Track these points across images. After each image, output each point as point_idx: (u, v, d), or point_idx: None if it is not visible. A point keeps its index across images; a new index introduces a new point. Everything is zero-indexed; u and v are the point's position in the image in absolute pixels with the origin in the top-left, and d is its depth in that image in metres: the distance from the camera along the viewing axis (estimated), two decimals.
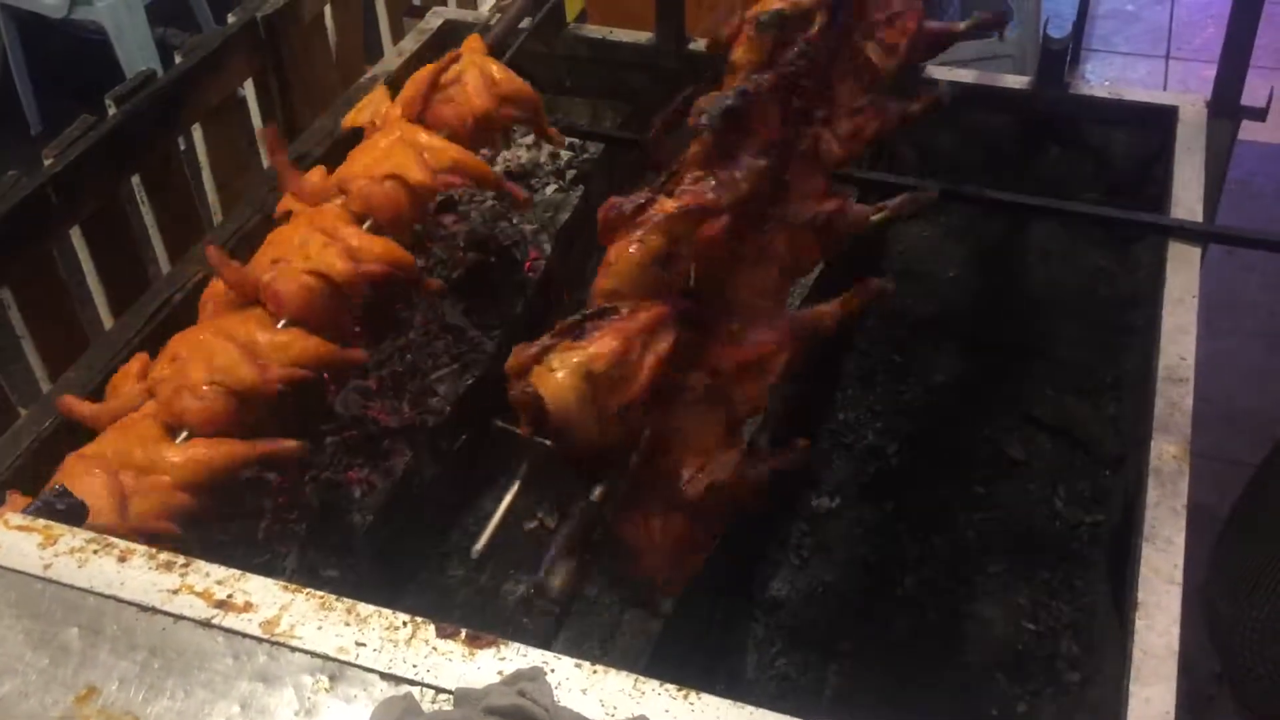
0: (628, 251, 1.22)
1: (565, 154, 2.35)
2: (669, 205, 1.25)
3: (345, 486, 1.76)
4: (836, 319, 1.38)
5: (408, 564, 1.79)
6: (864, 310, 1.41)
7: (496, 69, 1.77)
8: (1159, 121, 2.11)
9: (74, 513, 1.15)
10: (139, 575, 1.00)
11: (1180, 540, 1.43)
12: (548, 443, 1.13)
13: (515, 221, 2.19)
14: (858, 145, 1.52)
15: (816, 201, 1.37)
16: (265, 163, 2.39)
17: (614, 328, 1.17)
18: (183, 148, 2.21)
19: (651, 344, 1.18)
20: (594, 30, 2.45)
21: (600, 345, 1.16)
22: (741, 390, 1.29)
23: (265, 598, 0.98)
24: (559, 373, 1.14)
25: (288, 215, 1.62)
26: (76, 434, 1.44)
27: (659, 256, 1.22)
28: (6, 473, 1.49)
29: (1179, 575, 1.40)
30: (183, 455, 1.28)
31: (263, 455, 1.35)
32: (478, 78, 1.74)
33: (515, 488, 1.16)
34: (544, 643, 1.03)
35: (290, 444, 1.37)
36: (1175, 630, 1.34)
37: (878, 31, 1.61)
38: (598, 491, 1.19)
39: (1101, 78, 4.45)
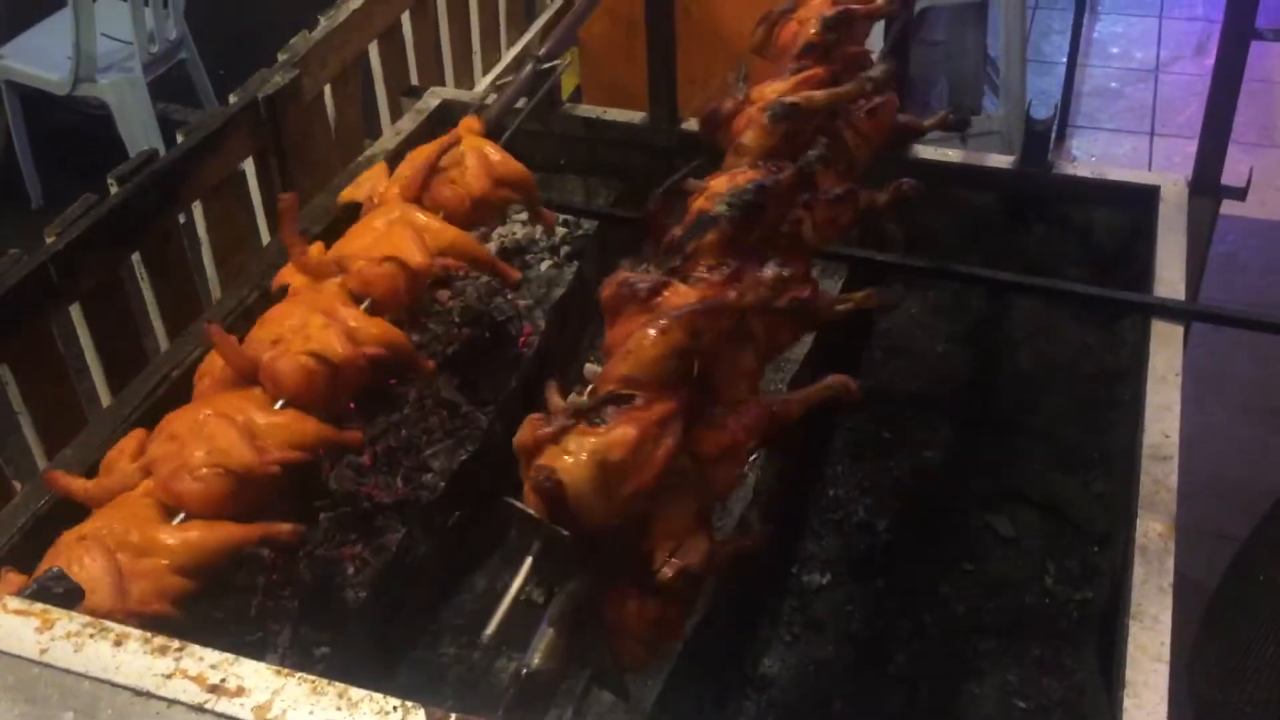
0: (648, 340, 1.22)
1: (560, 230, 2.39)
2: (689, 295, 1.27)
3: (339, 563, 1.76)
4: (801, 410, 1.39)
5: (401, 641, 1.79)
6: (828, 404, 1.42)
7: (494, 151, 1.81)
8: (1141, 200, 2.15)
9: (70, 596, 1.16)
10: (134, 660, 1.00)
11: (1167, 618, 1.44)
12: (561, 530, 1.14)
13: (509, 297, 2.22)
14: (834, 232, 1.56)
15: (796, 285, 1.40)
16: (265, 239, 2.44)
17: (631, 417, 1.18)
18: (183, 222, 2.25)
19: (662, 436, 1.19)
20: (588, 110, 2.50)
21: (618, 434, 1.17)
22: (717, 474, 1.31)
23: (258, 682, 0.99)
24: (579, 457, 1.14)
25: (284, 289, 1.65)
26: (73, 512, 1.45)
27: (680, 351, 1.23)
28: (2, 550, 1.50)
29: (1166, 653, 1.41)
30: (180, 538, 1.29)
31: (260, 538, 1.36)
32: (477, 161, 1.77)
33: (527, 566, 1.16)
34: None
35: (285, 527, 1.38)
36: (1163, 709, 1.35)
37: (857, 121, 1.66)
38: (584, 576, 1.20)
39: (1087, 154, 4.53)
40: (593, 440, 1.16)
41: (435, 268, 1.61)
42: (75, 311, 2.02)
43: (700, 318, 1.25)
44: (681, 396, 1.23)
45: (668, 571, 1.22)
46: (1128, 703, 1.35)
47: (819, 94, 1.58)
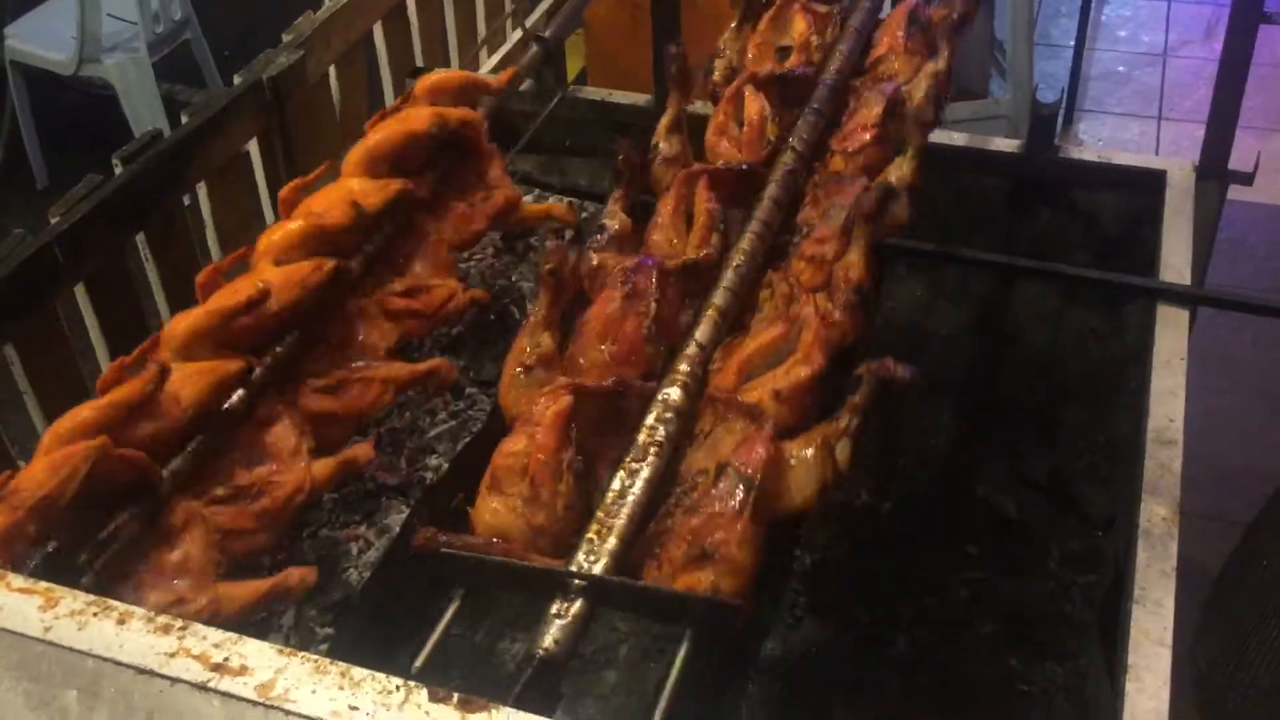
0: None
1: None
2: None
3: (342, 544, 1.77)
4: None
5: (403, 622, 1.79)
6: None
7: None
8: (1148, 185, 2.14)
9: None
10: (137, 638, 1.01)
11: (1170, 603, 1.44)
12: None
13: (514, 279, 2.21)
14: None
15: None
16: (269, 220, 2.44)
17: None
18: (187, 203, 2.24)
19: None
20: (593, 92, 2.49)
21: None
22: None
23: (261, 661, 1.00)
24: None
25: None
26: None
27: None
28: None
29: (1169, 638, 1.41)
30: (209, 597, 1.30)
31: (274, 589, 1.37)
32: None
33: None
34: (541, 709, 1.04)
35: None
36: (1165, 693, 1.35)
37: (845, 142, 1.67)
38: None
39: (1094, 138, 4.51)
40: None
41: None
42: (80, 292, 2.02)
43: None
44: None
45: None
46: (1130, 686, 1.36)
47: None
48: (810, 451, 1.27)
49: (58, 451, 1.22)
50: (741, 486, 1.21)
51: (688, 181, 1.60)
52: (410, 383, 1.70)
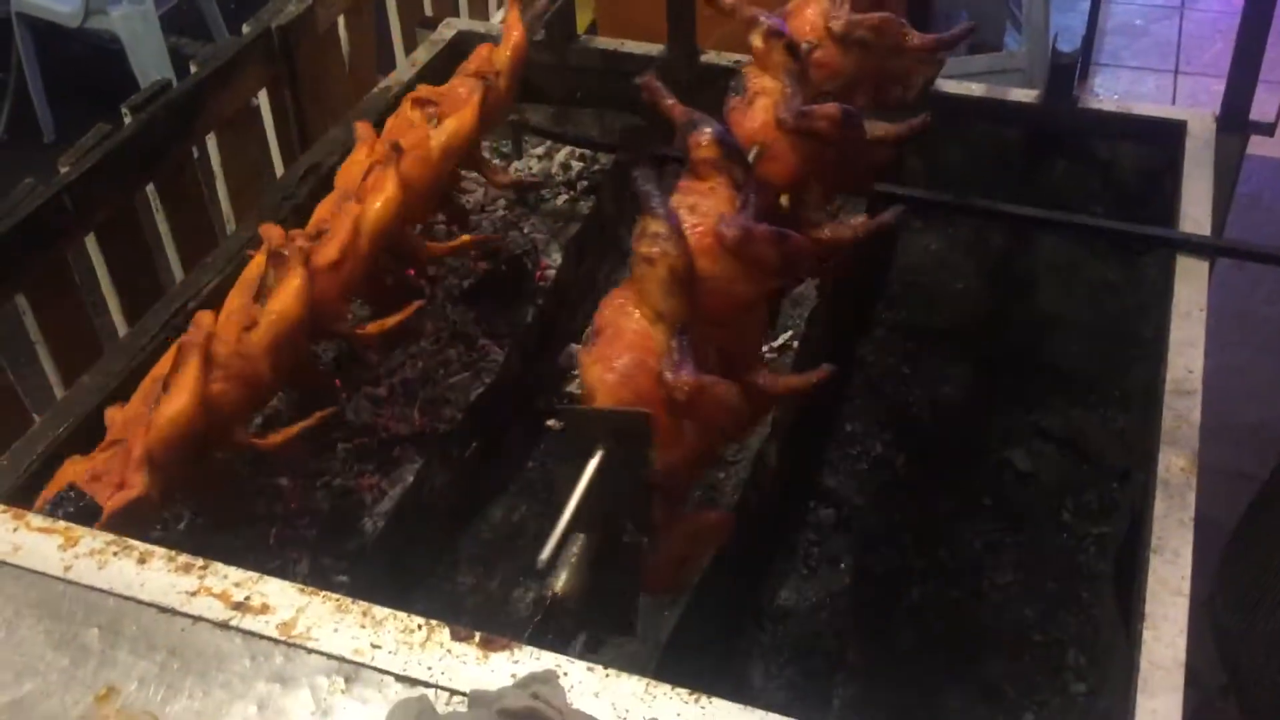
0: None
1: (576, 165, 2.37)
2: None
3: (356, 493, 1.77)
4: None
5: (418, 570, 1.80)
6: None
7: None
8: (1167, 136, 2.12)
9: (87, 513, 1.16)
10: (158, 577, 1.01)
11: (1188, 552, 1.44)
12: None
13: (526, 231, 2.20)
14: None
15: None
16: (279, 170, 2.42)
17: None
18: (196, 156, 2.23)
19: None
20: (605, 42, 2.47)
21: None
22: None
23: (282, 600, 1.00)
24: None
25: None
26: (90, 439, 1.46)
27: None
28: (23, 477, 1.50)
29: (1186, 587, 1.40)
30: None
31: None
32: None
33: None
34: (559, 647, 1.04)
35: None
36: (1182, 642, 1.34)
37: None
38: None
39: (1110, 92, 4.46)
40: None
41: None
42: (90, 243, 2.01)
43: None
44: None
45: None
46: (1146, 635, 1.35)
47: None
48: None
49: None
50: None
51: None
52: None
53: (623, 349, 1.19)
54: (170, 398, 1.32)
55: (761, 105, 1.45)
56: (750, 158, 1.39)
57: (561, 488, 1.11)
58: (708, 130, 1.35)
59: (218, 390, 1.38)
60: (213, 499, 1.55)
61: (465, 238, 1.88)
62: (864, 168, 1.58)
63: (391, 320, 1.67)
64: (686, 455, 1.20)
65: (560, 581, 1.16)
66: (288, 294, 1.51)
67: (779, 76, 1.46)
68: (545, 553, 1.06)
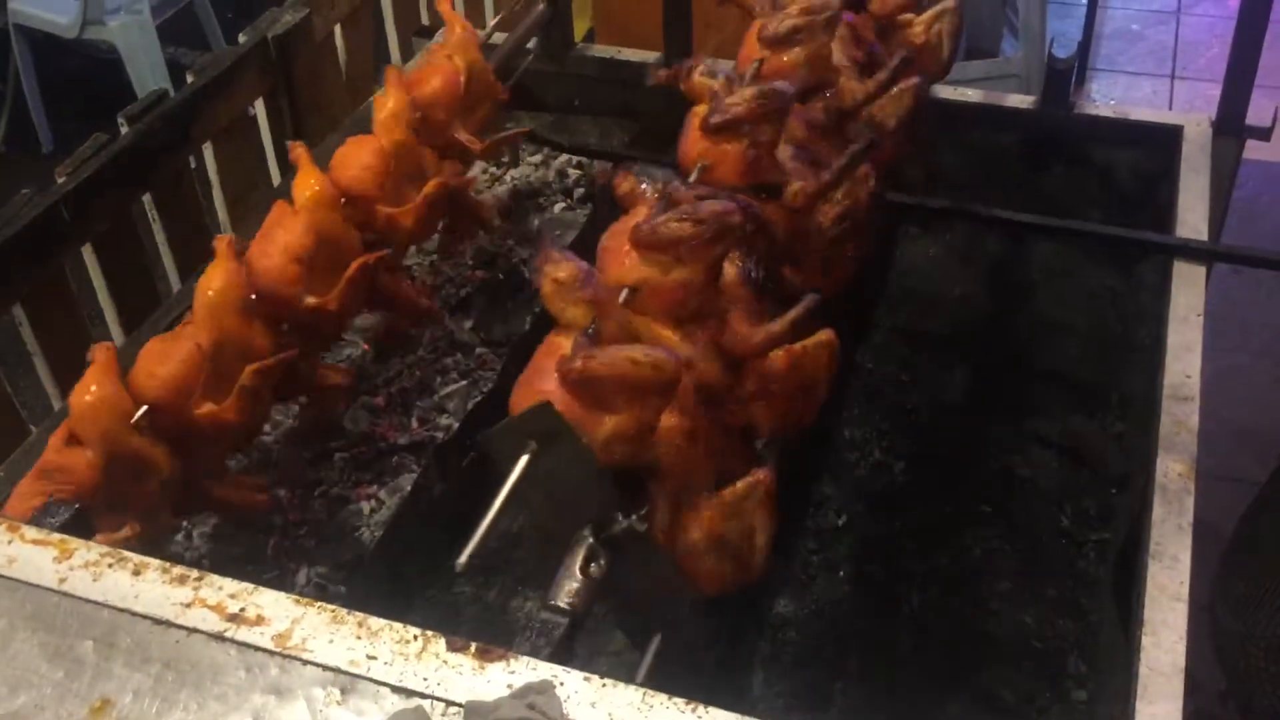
0: None
1: (574, 172, 2.37)
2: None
3: (354, 503, 1.77)
4: None
5: (416, 580, 1.79)
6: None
7: None
8: (1164, 141, 2.12)
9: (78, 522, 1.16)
10: (153, 589, 1.01)
11: (1186, 558, 1.44)
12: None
13: (523, 239, 2.20)
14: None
15: None
16: (275, 180, 2.42)
17: None
18: (193, 165, 2.23)
19: None
20: (602, 50, 2.47)
21: None
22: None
23: (277, 611, 0.99)
24: None
25: None
26: None
27: None
28: None
29: (1185, 592, 1.40)
30: None
31: None
32: None
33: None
34: (555, 657, 1.03)
35: None
36: (1181, 647, 1.34)
37: None
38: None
39: (1107, 97, 4.47)
40: None
41: None
42: (87, 252, 2.01)
43: None
44: None
45: None
46: (1146, 641, 1.35)
47: None
48: None
49: None
50: None
51: None
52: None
53: (531, 370, 1.29)
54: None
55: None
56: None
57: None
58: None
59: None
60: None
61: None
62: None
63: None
64: (635, 433, 1.21)
65: (559, 592, 1.17)
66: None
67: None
68: (463, 557, 1.10)
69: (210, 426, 1.43)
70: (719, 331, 1.34)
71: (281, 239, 1.57)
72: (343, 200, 1.65)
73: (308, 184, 1.62)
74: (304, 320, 1.59)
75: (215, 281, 1.50)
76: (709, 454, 1.31)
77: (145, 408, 1.36)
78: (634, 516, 1.23)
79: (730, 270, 1.38)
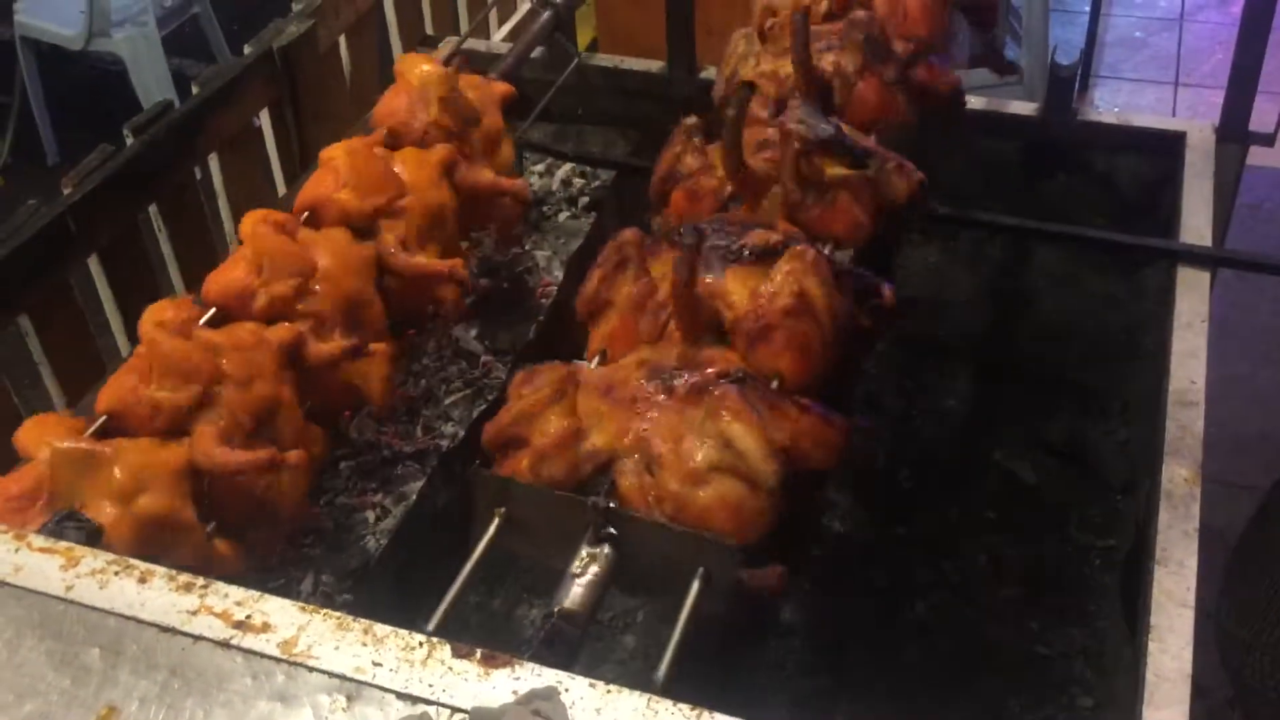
0: None
1: (578, 181, 2.37)
2: None
3: (359, 511, 1.77)
4: None
5: (421, 588, 1.79)
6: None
7: None
8: (1167, 147, 2.12)
9: (90, 536, 1.17)
10: (159, 596, 1.01)
11: (1192, 563, 1.44)
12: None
13: (528, 248, 2.21)
14: None
15: None
16: (281, 191, 2.43)
17: None
18: (199, 176, 2.24)
19: None
20: (606, 59, 2.48)
21: None
22: None
23: (283, 618, 1.00)
24: None
25: None
26: None
27: None
28: None
29: (1191, 598, 1.40)
30: None
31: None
32: None
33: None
34: (562, 663, 1.04)
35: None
36: (1188, 653, 1.34)
37: None
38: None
39: (1110, 104, 4.47)
40: None
41: None
42: (93, 263, 2.02)
43: None
44: None
45: None
46: (1152, 646, 1.35)
47: None
48: None
49: None
50: None
51: None
52: None
53: None
54: None
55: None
56: None
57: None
58: None
59: None
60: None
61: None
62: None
63: None
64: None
65: (566, 598, 1.17)
66: None
67: None
68: (431, 624, 1.14)
69: None
70: None
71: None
72: None
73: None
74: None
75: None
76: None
77: None
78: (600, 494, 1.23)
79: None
